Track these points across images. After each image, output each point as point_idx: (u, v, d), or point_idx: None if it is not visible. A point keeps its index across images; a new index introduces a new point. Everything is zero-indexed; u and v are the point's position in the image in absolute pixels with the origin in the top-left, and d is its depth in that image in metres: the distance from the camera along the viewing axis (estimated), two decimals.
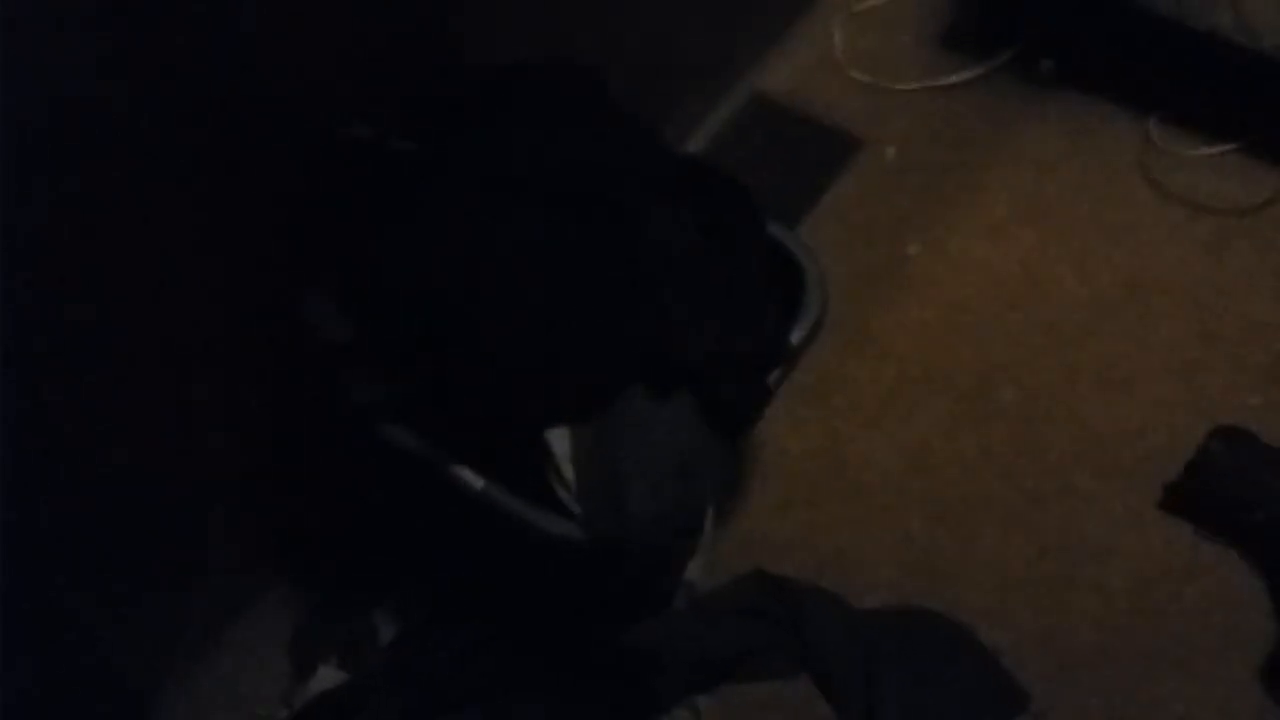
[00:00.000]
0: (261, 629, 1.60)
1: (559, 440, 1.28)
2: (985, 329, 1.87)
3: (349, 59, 1.34)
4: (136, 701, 1.52)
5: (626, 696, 1.49)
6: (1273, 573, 1.60)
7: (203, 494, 1.47)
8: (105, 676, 1.48)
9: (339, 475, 1.55)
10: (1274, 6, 1.89)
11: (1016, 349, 1.84)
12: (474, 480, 1.31)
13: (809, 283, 1.46)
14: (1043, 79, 2.14)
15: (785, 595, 1.58)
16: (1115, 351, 1.83)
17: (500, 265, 1.30)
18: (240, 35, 1.20)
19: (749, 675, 1.55)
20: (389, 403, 1.34)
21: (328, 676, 1.50)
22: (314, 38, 1.29)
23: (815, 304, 1.45)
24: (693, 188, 1.41)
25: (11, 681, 1.27)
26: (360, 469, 1.50)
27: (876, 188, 2.05)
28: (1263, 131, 2.01)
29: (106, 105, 1.09)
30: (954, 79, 2.17)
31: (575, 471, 1.27)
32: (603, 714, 1.48)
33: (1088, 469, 1.71)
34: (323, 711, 1.47)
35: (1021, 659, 1.55)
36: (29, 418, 1.17)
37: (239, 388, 1.42)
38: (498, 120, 1.38)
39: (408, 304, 1.31)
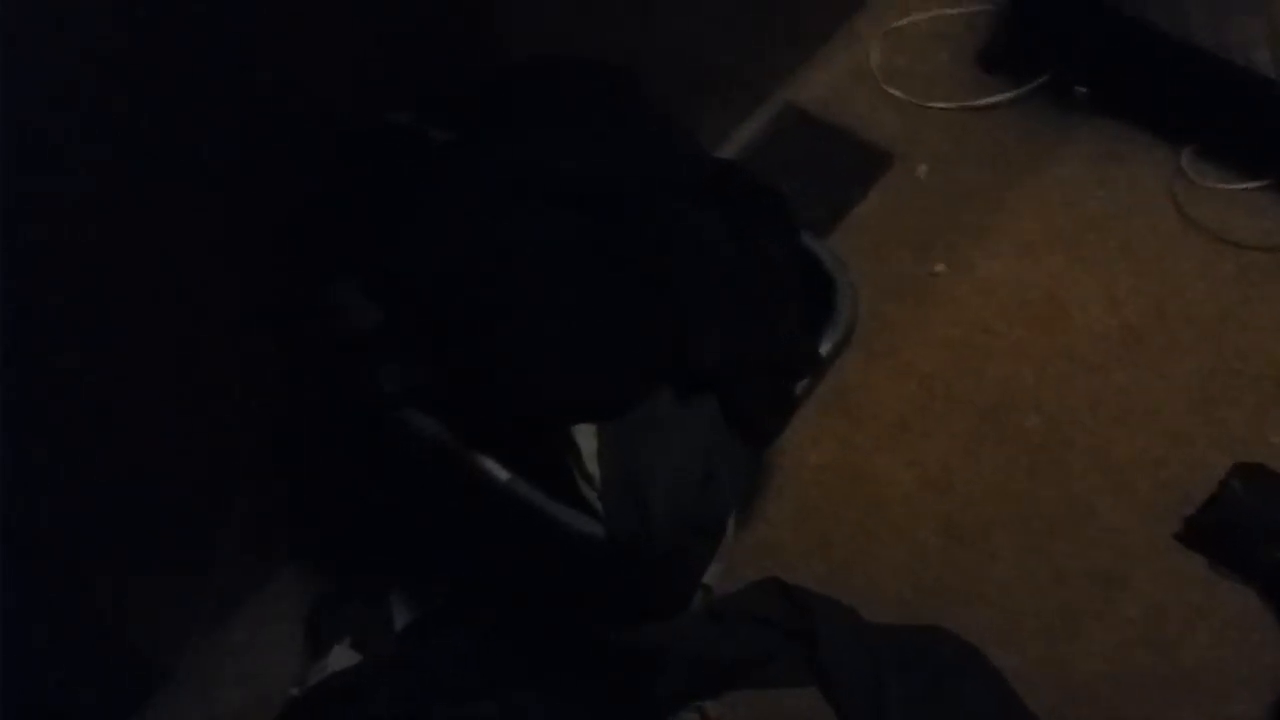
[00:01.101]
0: (276, 606, 1.60)
1: (585, 437, 1.28)
2: (1009, 351, 1.87)
3: (390, 47, 1.34)
4: (150, 674, 1.52)
5: (635, 696, 1.49)
6: None
7: (223, 470, 1.47)
8: (119, 648, 1.48)
9: (362, 459, 1.56)
10: None
11: (1040, 373, 1.84)
12: (499, 472, 1.30)
13: (840, 294, 1.46)
14: (1077, 105, 2.15)
15: (798, 605, 1.57)
16: (1139, 381, 1.83)
17: (532, 259, 1.31)
18: (286, 17, 1.20)
19: (757, 682, 1.54)
20: (415, 390, 1.34)
21: (342, 656, 1.50)
22: (358, 24, 1.29)
23: (845, 316, 1.45)
24: (727, 192, 1.42)
25: (26, 653, 1.27)
26: (384, 454, 1.50)
27: (906, 204, 2.05)
28: None
29: (147, 85, 1.10)
30: (988, 100, 2.18)
31: (600, 469, 1.27)
32: (611, 713, 1.48)
33: (1107, 497, 1.71)
34: (334, 692, 1.47)
35: (1031, 684, 1.54)
36: (52, 392, 1.18)
37: (265, 367, 1.42)
38: (536, 115, 1.39)
39: (437, 293, 1.31)
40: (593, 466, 1.26)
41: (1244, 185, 2.03)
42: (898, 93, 2.19)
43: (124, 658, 1.49)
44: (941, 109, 2.18)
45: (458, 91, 1.40)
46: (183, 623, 1.53)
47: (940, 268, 1.97)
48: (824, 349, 1.42)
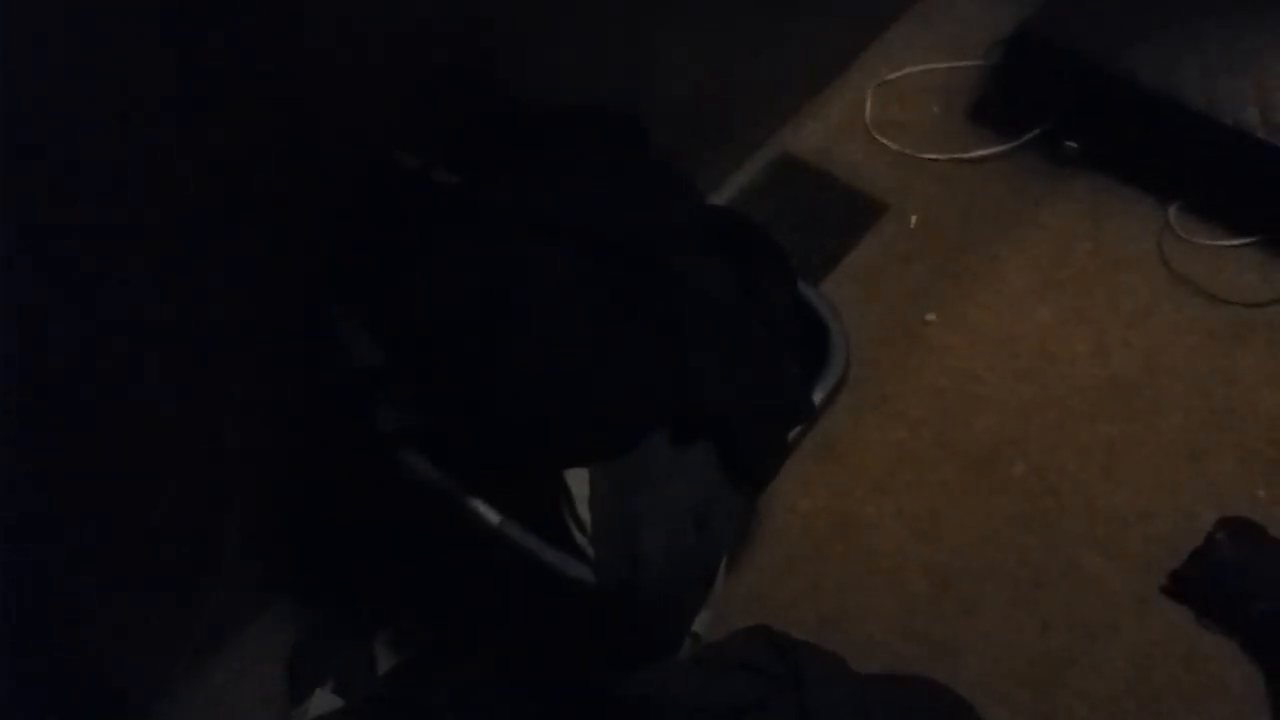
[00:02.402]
0: (259, 647, 1.59)
1: (578, 481, 1.28)
2: (998, 401, 1.88)
3: (398, 91, 1.36)
4: (131, 712, 1.51)
5: None
6: (1271, 665, 1.60)
7: (211, 507, 1.46)
8: (101, 685, 1.47)
9: (353, 498, 1.56)
10: None
11: (1028, 423, 1.86)
12: (490, 515, 1.31)
13: (833, 343, 1.47)
14: (1067, 159, 2.18)
15: (787, 653, 1.57)
16: (1126, 433, 1.84)
17: (532, 304, 1.31)
18: (293, 58, 1.22)
19: None
20: (412, 431, 1.35)
21: (324, 700, 1.49)
22: (366, 67, 1.31)
23: (839, 365, 1.46)
24: (727, 241, 1.43)
25: (8, 688, 1.26)
26: (376, 494, 1.50)
27: (898, 253, 2.07)
28: None
29: (156, 124, 1.11)
30: (980, 153, 2.21)
31: (592, 514, 1.27)
32: None
33: (1093, 548, 1.72)
34: None
35: None
36: (42, 422, 1.18)
37: (258, 405, 1.43)
38: (541, 161, 1.40)
39: (439, 335, 1.32)
40: (584, 511, 1.27)
41: (1230, 241, 2.06)
42: (891, 144, 2.22)
43: (107, 698, 1.47)
44: (934, 160, 2.21)
45: (463, 136, 1.42)
46: (165, 664, 1.52)
47: (931, 317, 1.99)
48: (816, 397, 1.43)
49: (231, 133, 1.18)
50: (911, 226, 2.11)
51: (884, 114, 2.27)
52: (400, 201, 1.36)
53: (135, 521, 1.36)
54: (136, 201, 1.13)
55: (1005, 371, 1.92)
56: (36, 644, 1.30)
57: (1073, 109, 2.18)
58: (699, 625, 1.43)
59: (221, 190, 1.21)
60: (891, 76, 2.33)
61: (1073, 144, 2.17)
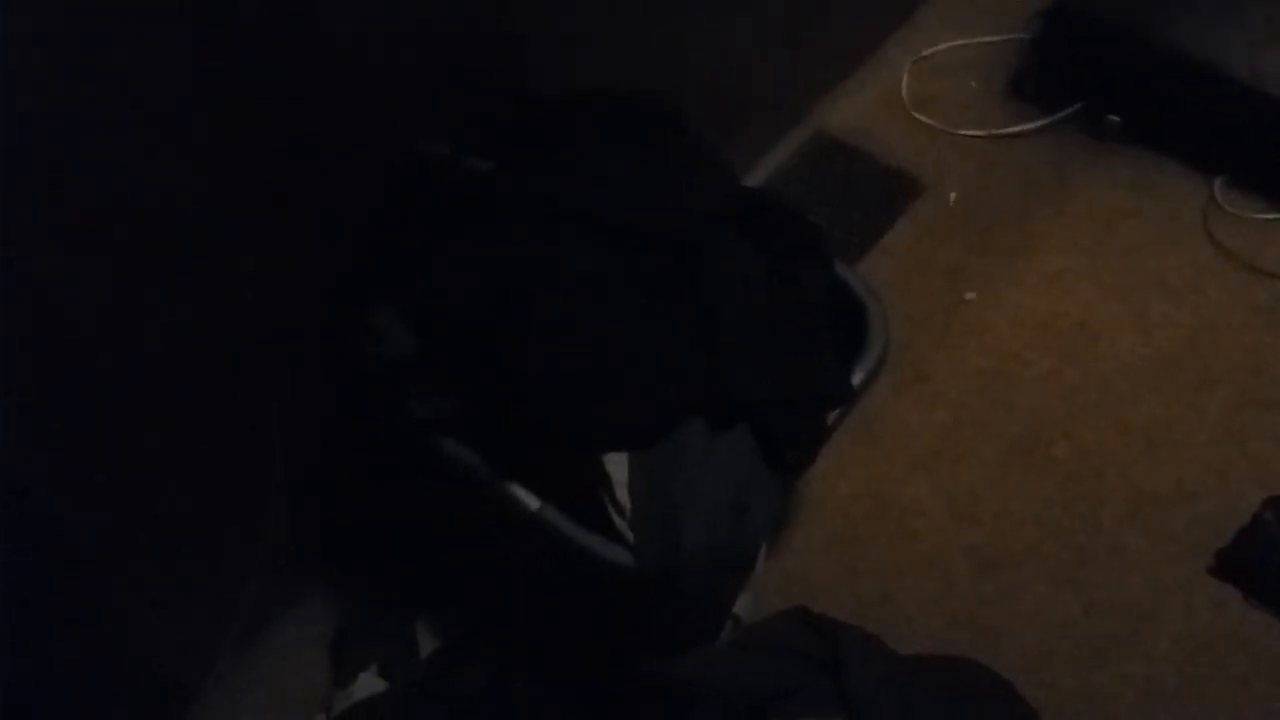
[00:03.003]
0: (303, 631, 1.60)
1: (617, 466, 1.28)
2: (1039, 380, 1.86)
3: (429, 76, 1.35)
4: (174, 699, 1.52)
5: None
6: None
7: (253, 494, 1.47)
8: (144, 673, 1.48)
9: (392, 485, 1.56)
10: None
11: (1070, 403, 1.83)
12: (529, 500, 1.31)
13: (872, 325, 1.46)
14: (1108, 134, 2.14)
15: (827, 635, 1.56)
16: (1170, 412, 1.81)
17: (567, 289, 1.31)
18: (324, 47, 1.21)
19: (786, 712, 1.53)
20: (448, 418, 1.35)
21: (367, 684, 1.50)
22: (397, 54, 1.30)
23: (877, 346, 1.45)
24: (763, 224, 1.42)
25: (51, 676, 1.28)
26: (414, 481, 1.51)
27: (936, 231, 2.05)
28: None
29: (189, 116, 1.11)
30: (1019, 129, 2.18)
31: (631, 499, 1.27)
32: None
33: (1138, 529, 1.70)
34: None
35: (1062, 717, 1.53)
36: (84, 410, 1.19)
37: (297, 393, 1.43)
38: (574, 146, 1.40)
39: (472, 320, 1.32)
40: (624, 496, 1.27)
41: (1277, 215, 2.02)
42: (928, 120, 2.20)
43: (150, 683, 1.49)
44: (972, 136, 2.18)
45: (494, 122, 1.41)
46: (209, 648, 1.53)
47: (970, 296, 1.96)
48: (855, 379, 1.42)
49: (259, 125, 1.18)
50: (950, 204, 2.09)
51: (921, 90, 2.24)
52: (431, 189, 1.36)
53: (177, 512, 1.37)
54: (169, 198, 1.14)
55: (1046, 350, 1.90)
56: (78, 636, 1.31)
57: (1113, 82, 2.14)
58: (739, 608, 1.42)
59: (251, 182, 1.21)
60: (928, 52, 2.30)
61: (1114, 118, 2.13)
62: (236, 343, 1.32)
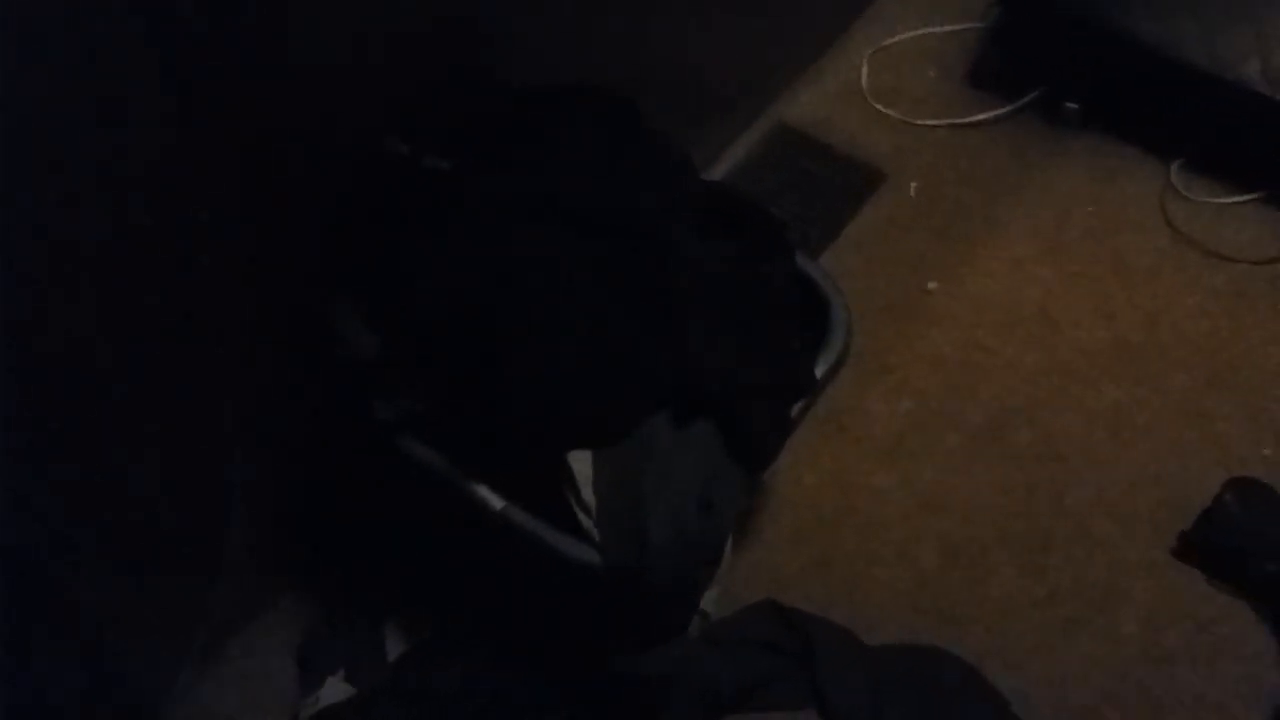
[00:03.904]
0: (270, 638, 1.59)
1: (581, 464, 1.27)
2: (1002, 367, 1.87)
3: (386, 76, 1.34)
4: (141, 706, 1.51)
5: None
6: None
7: (217, 500, 1.46)
8: (111, 680, 1.47)
9: (357, 487, 1.55)
10: None
11: (1033, 389, 1.84)
12: (494, 499, 1.30)
13: (834, 317, 1.46)
14: (1067, 121, 2.16)
15: (796, 627, 1.57)
16: (1132, 396, 1.83)
17: (528, 287, 1.31)
18: (280, 46, 1.20)
19: (756, 706, 1.54)
20: (411, 418, 1.34)
21: (335, 689, 1.50)
22: (353, 53, 1.29)
23: (840, 338, 1.45)
24: (724, 217, 1.42)
25: (17, 684, 1.26)
26: (379, 483, 1.50)
27: (898, 222, 2.06)
28: None
29: (148, 116, 1.10)
30: (979, 117, 2.19)
31: (596, 496, 1.27)
32: None
33: (1102, 513, 1.71)
34: None
35: (1030, 702, 1.54)
36: (45, 416, 1.17)
37: (260, 397, 1.42)
38: (532, 142, 1.39)
39: (435, 321, 1.31)
40: (589, 494, 1.26)
41: (1234, 199, 2.04)
42: (888, 110, 2.20)
43: (116, 691, 1.48)
44: (932, 126, 2.18)
45: (453, 120, 1.40)
46: (175, 656, 1.52)
47: (933, 285, 1.97)
48: (819, 370, 1.42)
49: (219, 124, 1.17)
50: (911, 194, 2.09)
51: (880, 81, 2.25)
52: (392, 189, 1.35)
53: (138, 518, 1.36)
54: (127, 198, 1.12)
55: (1009, 338, 1.91)
56: (41, 646, 1.30)
57: (1071, 69, 2.15)
58: (707, 603, 1.42)
59: (210, 183, 1.20)
60: (887, 43, 2.30)
61: (1072, 105, 2.14)
62: (197, 345, 1.30)
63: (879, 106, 2.21)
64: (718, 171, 2.08)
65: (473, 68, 1.48)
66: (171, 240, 1.20)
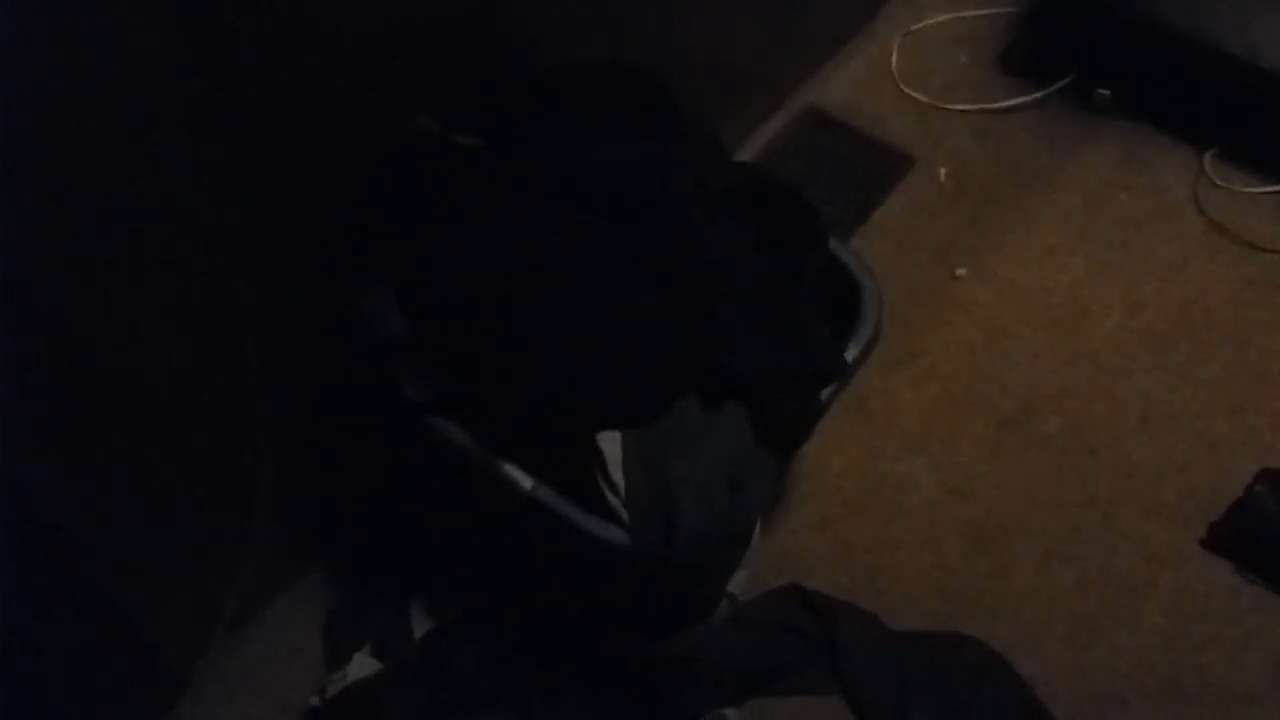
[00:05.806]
0: (296, 613, 1.60)
1: (610, 445, 1.27)
2: (1031, 355, 1.86)
3: (417, 52, 1.34)
4: (169, 681, 1.52)
5: (657, 706, 1.49)
6: None
7: (246, 477, 1.46)
8: (139, 655, 1.48)
9: (385, 466, 1.55)
10: None
11: (1062, 377, 1.83)
12: (523, 479, 1.30)
13: (866, 301, 1.45)
14: (1098, 107, 2.14)
15: (821, 612, 1.57)
16: (1162, 386, 1.82)
17: (560, 266, 1.30)
18: (310, 24, 1.20)
19: (781, 690, 1.54)
20: (440, 398, 1.34)
21: (362, 665, 1.50)
22: (384, 30, 1.29)
23: (871, 323, 1.44)
24: (756, 199, 1.41)
25: (42, 663, 1.27)
26: (408, 462, 1.50)
27: (927, 207, 2.05)
28: None
29: (173, 98, 1.10)
30: (1009, 103, 2.17)
31: (625, 477, 1.26)
32: None
33: (1130, 503, 1.70)
34: (354, 700, 1.47)
35: (1054, 691, 1.54)
36: (76, 389, 1.18)
37: (290, 374, 1.42)
38: (563, 121, 1.38)
39: (464, 301, 1.31)
40: (618, 475, 1.26)
41: (1267, 188, 2.02)
42: (918, 95, 2.19)
43: (145, 666, 1.49)
44: (962, 111, 2.17)
45: (484, 98, 1.40)
46: (203, 631, 1.53)
47: (962, 271, 1.96)
48: (849, 355, 1.41)
49: (246, 106, 1.17)
50: (941, 179, 2.08)
51: (910, 65, 2.23)
52: (421, 167, 1.34)
53: (169, 495, 1.36)
54: (159, 177, 1.12)
55: (1038, 325, 1.89)
56: (71, 622, 1.30)
57: (1103, 55, 2.13)
58: (734, 585, 1.42)
59: (238, 164, 1.20)
60: (917, 26, 2.29)
61: (1104, 91, 2.12)
62: (226, 326, 1.30)
63: (909, 91, 2.19)
64: (747, 154, 2.07)
65: (503, 49, 1.48)
66: (200, 224, 1.20)
